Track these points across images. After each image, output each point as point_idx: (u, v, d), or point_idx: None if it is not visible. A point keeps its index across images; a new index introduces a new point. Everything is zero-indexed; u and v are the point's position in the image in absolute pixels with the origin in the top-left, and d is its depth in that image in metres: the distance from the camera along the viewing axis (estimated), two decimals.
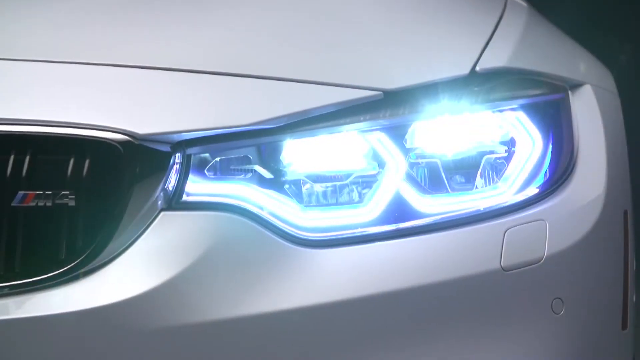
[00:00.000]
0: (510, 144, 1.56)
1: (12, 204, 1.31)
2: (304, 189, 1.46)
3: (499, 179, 1.55)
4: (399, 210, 1.47)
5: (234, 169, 1.43)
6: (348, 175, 1.47)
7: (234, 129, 1.39)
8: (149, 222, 1.35)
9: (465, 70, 1.53)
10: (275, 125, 1.41)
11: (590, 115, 1.65)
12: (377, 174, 1.47)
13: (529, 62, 1.62)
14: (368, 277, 1.41)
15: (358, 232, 1.44)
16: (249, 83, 1.42)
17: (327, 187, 1.47)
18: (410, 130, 1.49)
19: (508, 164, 1.55)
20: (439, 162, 1.51)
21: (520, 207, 1.52)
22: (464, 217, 1.49)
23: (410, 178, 1.48)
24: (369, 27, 1.59)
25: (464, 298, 1.45)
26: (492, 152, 1.55)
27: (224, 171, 1.42)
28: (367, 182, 1.48)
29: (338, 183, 1.47)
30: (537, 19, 1.84)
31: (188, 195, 1.38)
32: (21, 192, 1.31)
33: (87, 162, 1.33)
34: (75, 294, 1.32)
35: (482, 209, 1.51)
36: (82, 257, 1.33)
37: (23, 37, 1.45)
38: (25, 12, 1.51)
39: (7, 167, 1.31)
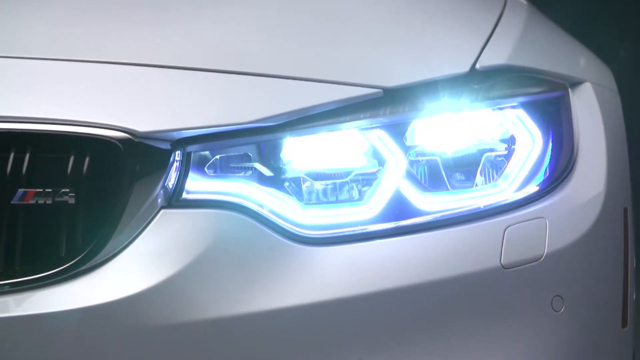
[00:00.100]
0: (510, 141, 1.56)
1: (12, 202, 1.31)
2: (304, 186, 1.46)
3: (499, 177, 1.55)
4: (399, 207, 1.47)
5: (234, 167, 1.43)
6: (348, 173, 1.47)
7: (234, 126, 1.39)
8: (149, 219, 1.35)
9: (466, 67, 1.53)
10: (275, 123, 1.41)
11: (590, 113, 1.65)
12: (377, 171, 1.47)
13: (529, 60, 1.62)
14: (368, 274, 1.41)
15: (358, 229, 1.44)
16: (249, 81, 1.42)
17: (327, 184, 1.47)
18: (410, 127, 1.49)
19: (508, 162, 1.55)
20: (439, 159, 1.51)
21: (520, 205, 1.52)
22: (464, 214, 1.49)
23: (410, 176, 1.48)
24: (368, 24, 1.59)
25: (464, 296, 1.45)
26: (492, 150, 1.55)
27: (224, 169, 1.42)
28: (367, 180, 1.48)
29: (338, 181, 1.47)
30: (537, 16, 1.84)
31: (188, 193, 1.38)
32: (21, 190, 1.31)
33: (87, 159, 1.33)
34: (76, 291, 1.32)
35: (482, 206, 1.50)
36: (82, 255, 1.33)
37: (23, 35, 1.45)
38: (24, 10, 1.51)
39: (7, 165, 1.31)
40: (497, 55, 1.57)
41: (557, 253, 1.51)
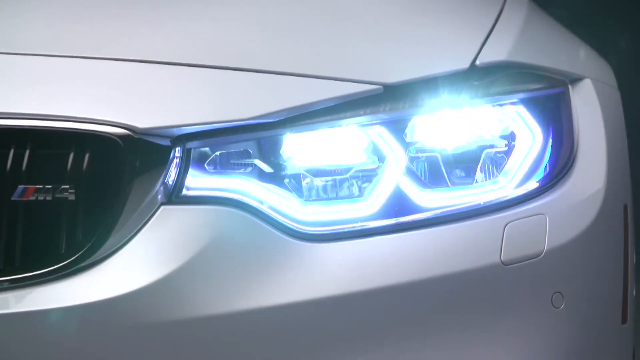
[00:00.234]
0: (510, 138, 1.56)
1: (12, 198, 1.31)
2: (304, 183, 1.46)
3: (499, 173, 1.55)
4: (399, 204, 1.47)
5: (234, 163, 1.43)
6: (348, 170, 1.47)
7: (234, 123, 1.39)
8: (148, 216, 1.35)
9: (465, 64, 1.53)
10: (275, 120, 1.41)
11: (590, 109, 1.65)
12: (377, 168, 1.47)
13: (529, 56, 1.62)
14: (368, 271, 1.41)
15: (358, 226, 1.44)
16: (249, 77, 1.42)
17: (327, 181, 1.47)
18: (410, 124, 1.49)
19: (508, 158, 1.55)
20: (439, 156, 1.51)
21: (520, 201, 1.52)
22: (464, 211, 1.49)
23: (410, 172, 1.48)
24: (369, 21, 1.59)
25: (464, 292, 1.45)
26: (492, 146, 1.55)
27: (224, 165, 1.42)
28: (367, 176, 1.48)
29: (338, 177, 1.47)
30: (537, 12, 1.83)
31: (188, 189, 1.38)
32: (21, 186, 1.31)
33: (86, 156, 1.33)
34: (76, 288, 1.32)
35: (482, 203, 1.50)
36: (82, 251, 1.33)
37: (22, 32, 1.45)
38: (24, 7, 1.51)
39: (7, 161, 1.31)
40: (497, 52, 1.57)
41: (557, 249, 1.51)
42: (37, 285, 1.32)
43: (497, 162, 1.55)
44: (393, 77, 1.47)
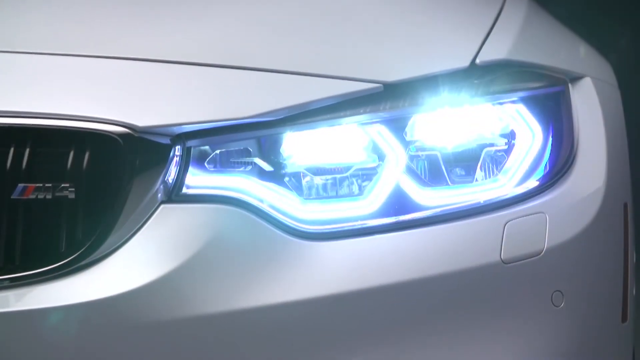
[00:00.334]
0: (510, 136, 1.56)
1: (12, 197, 1.31)
2: (304, 181, 1.46)
3: (499, 172, 1.55)
4: (399, 202, 1.47)
5: (234, 162, 1.43)
6: (348, 168, 1.47)
7: (234, 121, 1.39)
8: (148, 214, 1.35)
9: (465, 62, 1.53)
10: (275, 118, 1.41)
11: (590, 107, 1.65)
12: (377, 166, 1.47)
13: (528, 55, 1.62)
14: (368, 269, 1.41)
15: (358, 224, 1.44)
16: (249, 76, 1.42)
17: (327, 179, 1.47)
18: (410, 122, 1.49)
19: (508, 157, 1.55)
20: (439, 154, 1.51)
21: (520, 200, 1.52)
22: (464, 209, 1.49)
23: (410, 171, 1.48)
24: (369, 19, 1.59)
25: (464, 291, 1.45)
26: (492, 145, 1.55)
27: (224, 164, 1.42)
28: (367, 175, 1.48)
29: (338, 176, 1.47)
30: (537, 11, 1.83)
31: (188, 187, 1.38)
32: (21, 185, 1.31)
33: (86, 154, 1.33)
34: (76, 286, 1.32)
35: (482, 201, 1.51)
36: (82, 250, 1.33)
37: (23, 30, 1.45)
38: (25, 5, 1.51)
39: (7, 160, 1.31)
40: (497, 50, 1.57)
41: (557, 248, 1.51)
42: (37, 283, 1.32)
43: (497, 161, 1.55)
44: (393, 75, 1.47)
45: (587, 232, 1.56)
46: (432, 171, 1.51)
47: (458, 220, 1.48)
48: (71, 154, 1.33)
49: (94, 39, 1.44)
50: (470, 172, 1.54)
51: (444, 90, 1.49)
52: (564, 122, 1.60)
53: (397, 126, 1.48)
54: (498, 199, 1.51)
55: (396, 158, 1.47)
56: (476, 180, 1.53)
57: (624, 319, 1.68)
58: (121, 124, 1.33)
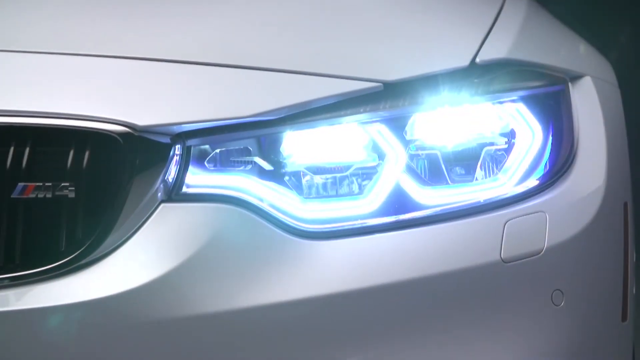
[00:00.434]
0: (510, 135, 1.56)
1: (12, 196, 1.31)
2: (304, 180, 1.46)
3: (499, 171, 1.55)
4: (398, 202, 1.47)
5: (234, 161, 1.43)
6: (348, 167, 1.47)
7: (234, 120, 1.39)
8: (148, 213, 1.35)
9: (465, 61, 1.53)
10: (275, 117, 1.41)
11: (590, 106, 1.65)
12: (377, 165, 1.47)
13: (528, 54, 1.62)
14: (368, 268, 1.41)
15: (358, 223, 1.44)
16: (249, 75, 1.42)
17: (327, 178, 1.47)
18: (410, 121, 1.49)
19: (508, 156, 1.55)
20: (439, 153, 1.51)
21: (520, 199, 1.52)
22: (464, 208, 1.49)
23: (410, 170, 1.48)
24: (369, 18, 1.59)
25: (464, 290, 1.45)
26: (492, 144, 1.55)
27: (224, 163, 1.42)
28: (367, 174, 1.48)
29: (338, 175, 1.47)
30: (537, 10, 1.83)
31: (188, 187, 1.38)
32: (21, 184, 1.31)
33: (86, 153, 1.33)
34: (75, 285, 1.32)
35: (482, 200, 1.50)
36: (82, 249, 1.33)
37: (23, 29, 1.45)
38: (24, 4, 1.51)
39: (7, 159, 1.31)
40: (497, 49, 1.57)
41: (557, 247, 1.51)
42: (37, 282, 1.32)
43: (497, 160, 1.55)
44: (393, 74, 1.47)
45: (587, 231, 1.56)
46: (432, 170, 1.51)
47: (458, 220, 1.48)
48: (71, 153, 1.33)
49: (94, 38, 1.44)
50: (470, 171, 1.54)
51: (444, 89, 1.49)
52: (564, 121, 1.60)
53: (397, 125, 1.48)
54: (498, 198, 1.51)
55: (396, 157, 1.47)
56: (476, 179, 1.53)
57: (624, 318, 1.68)
58: (121, 123, 1.33)
